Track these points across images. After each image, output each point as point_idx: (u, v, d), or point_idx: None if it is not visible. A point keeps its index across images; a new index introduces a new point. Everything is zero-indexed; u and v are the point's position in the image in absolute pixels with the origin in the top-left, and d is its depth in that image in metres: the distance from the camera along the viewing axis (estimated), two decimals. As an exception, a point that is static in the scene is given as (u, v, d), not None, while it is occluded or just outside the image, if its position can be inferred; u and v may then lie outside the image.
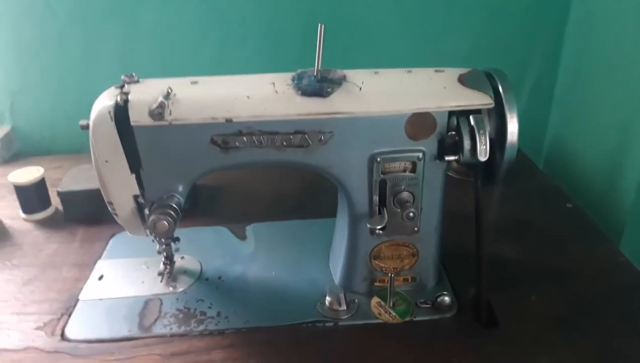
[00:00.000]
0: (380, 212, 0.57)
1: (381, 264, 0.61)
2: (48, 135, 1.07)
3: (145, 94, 0.53)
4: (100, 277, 0.67)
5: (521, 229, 0.74)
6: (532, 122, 1.07)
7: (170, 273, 0.66)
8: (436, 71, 0.55)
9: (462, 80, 0.54)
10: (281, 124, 0.52)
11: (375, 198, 0.56)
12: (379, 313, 0.59)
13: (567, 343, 0.55)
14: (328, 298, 0.61)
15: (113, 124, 0.52)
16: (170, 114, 0.51)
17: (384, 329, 0.58)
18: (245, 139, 0.53)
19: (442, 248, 0.62)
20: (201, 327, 0.59)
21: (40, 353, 0.56)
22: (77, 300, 0.64)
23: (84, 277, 0.68)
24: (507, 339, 0.56)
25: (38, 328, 0.60)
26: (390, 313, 0.59)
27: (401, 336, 0.57)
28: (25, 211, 0.82)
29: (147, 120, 0.52)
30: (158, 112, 0.51)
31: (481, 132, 0.51)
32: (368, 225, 0.55)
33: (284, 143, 0.53)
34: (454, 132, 0.53)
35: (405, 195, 0.56)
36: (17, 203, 0.81)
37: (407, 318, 0.59)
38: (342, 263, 0.63)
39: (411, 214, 0.54)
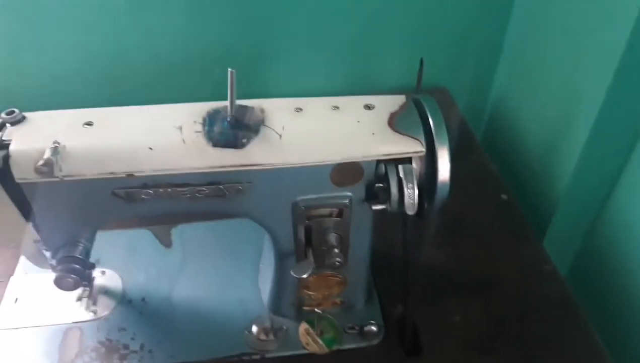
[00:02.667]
0: (306, 255, 0.54)
1: (310, 292, 0.60)
2: None
3: (28, 142, 0.45)
4: (16, 300, 0.63)
5: (453, 226, 0.73)
6: (477, 82, 1.03)
7: (90, 295, 0.63)
8: (365, 107, 0.50)
9: (392, 122, 0.49)
10: (192, 176, 0.47)
11: (300, 241, 0.53)
12: (307, 343, 0.59)
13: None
14: (255, 328, 0.59)
15: (-5, 181, 0.45)
16: (60, 170, 0.45)
17: (312, 360, 0.58)
18: (152, 191, 0.47)
19: (370, 268, 0.61)
20: (124, 364, 0.57)
21: (-49, 406, 0.54)
22: (-9, 331, 0.60)
23: (-2, 297, 0.64)
24: (430, 368, 0.58)
25: (-51, 371, 0.57)
26: (317, 342, 0.59)
27: (328, 367, 0.58)
28: None
29: (34, 176, 0.45)
30: (45, 170, 0.44)
31: (409, 185, 0.47)
32: (292, 273, 0.53)
33: (197, 194, 0.48)
34: (381, 184, 0.49)
35: (332, 237, 0.53)
36: None
37: (335, 347, 0.59)
38: (270, 288, 0.61)
39: (337, 263, 0.51)
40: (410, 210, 0.48)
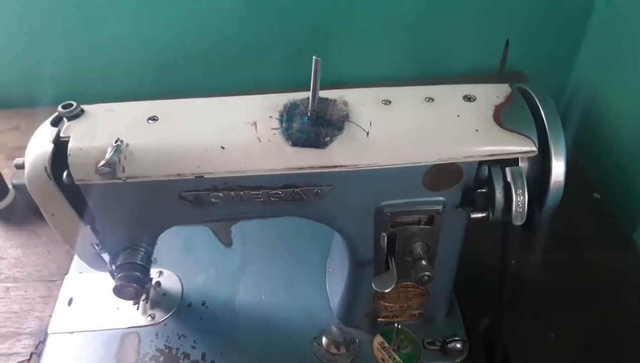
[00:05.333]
0: (387, 265, 0.48)
1: (386, 304, 0.54)
2: (-1, 86, 0.92)
3: (88, 139, 0.41)
4: (70, 301, 0.60)
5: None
6: (556, 63, 0.93)
7: (147, 299, 0.59)
8: (465, 99, 0.43)
9: (499, 116, 0.42)
10: (266, 178, 0.41)
11: (382, 250, 0.47)
12: (382, 359, 0.53)
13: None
14: (324, 339, 0.54)
15: (52, 182, 0.41)
16: (123, 171, 0.40)
17: (388, 377, 0.53)
18: (222, 194, 0.42)
19: (455, 279, 0.55)
20: (185, 376, 0.53)
21: (7, 415, 0.51)
22: (47, 334, 0.57)
23: (52, 297, 0.61)
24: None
25: (4, 376, 0.54)
26: (394, 358, 0.53)
27: (406, 385, 0.52)
28: (-21, 202, 0.72)
29: (95, 178, 0.40)
30: (107, 171, 0.40)
31: (519, 191, 0.40)
32: (373, 286, 0.47)
33: (272, 198, 0.43)
34: (483, 189, 0.42)
35: (418, 246, 0.47)
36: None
37: (413, 364, 0.53)
38: (340, 296, 0.56)
39: (425, 278, 0.45)
40: (518, 220, 0.41)
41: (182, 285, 0.61)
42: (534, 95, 0.43)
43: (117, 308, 0.59)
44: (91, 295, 0.60)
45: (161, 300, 0.60)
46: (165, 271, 0.62)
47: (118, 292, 0.46)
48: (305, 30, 0.85)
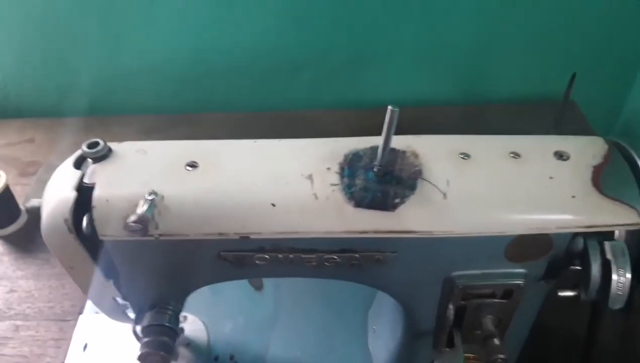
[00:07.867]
0: (450, 339, 0.41)
1: (441, 374, 0.48)
2: (13, 94, 0.87)
3: (116, 188, 0.35)
4: (85, 347, 0.55)
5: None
6: (609, 94, 0.87)
7: (170, 349, 0.53)
8: (557, 157, 0.36)
9: (597, 180, 0.35)
10: (321, 241, 0.35)
11: (447, 321, 0.41)
12: None
13: None
14: (369, 409, 0.48)
15: (73, 236, 0.35)
16: (156, 227, 0.34)
17: None
18: (268, 256, 0.36)
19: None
20: None
21: None
22: (57, 385, 0.52)
23: (65, 340, 0.55)
24: None
25: None
26: None
27: None
28: (-12, 225, 0.67)
29: (123, 234, 0.35)
30: (137, 228, 0.34)
31: (620, 271, 0.34)
32: (436, 365, 0.41)
33: (325, 262, 0.37)
34: (576, 266, 0.36)
35: (489, 320, 0.40)
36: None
37: None
38: (387, 361, 0.49)
39: (499, 361, 0.39)
40: (617, 304, 0.35)
41: (207, 334, 0.55)
42: (633, 154, 0.37)
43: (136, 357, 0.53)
44: (108, 340, 0.55)
45: (185, 351, 0.54)
46: (190, 316, 0.56)
47: (144, 359, 0.40)
48: (341, 50, 0.80)
